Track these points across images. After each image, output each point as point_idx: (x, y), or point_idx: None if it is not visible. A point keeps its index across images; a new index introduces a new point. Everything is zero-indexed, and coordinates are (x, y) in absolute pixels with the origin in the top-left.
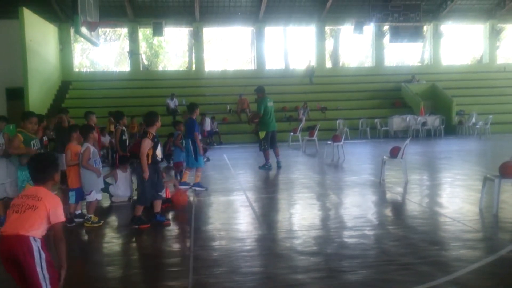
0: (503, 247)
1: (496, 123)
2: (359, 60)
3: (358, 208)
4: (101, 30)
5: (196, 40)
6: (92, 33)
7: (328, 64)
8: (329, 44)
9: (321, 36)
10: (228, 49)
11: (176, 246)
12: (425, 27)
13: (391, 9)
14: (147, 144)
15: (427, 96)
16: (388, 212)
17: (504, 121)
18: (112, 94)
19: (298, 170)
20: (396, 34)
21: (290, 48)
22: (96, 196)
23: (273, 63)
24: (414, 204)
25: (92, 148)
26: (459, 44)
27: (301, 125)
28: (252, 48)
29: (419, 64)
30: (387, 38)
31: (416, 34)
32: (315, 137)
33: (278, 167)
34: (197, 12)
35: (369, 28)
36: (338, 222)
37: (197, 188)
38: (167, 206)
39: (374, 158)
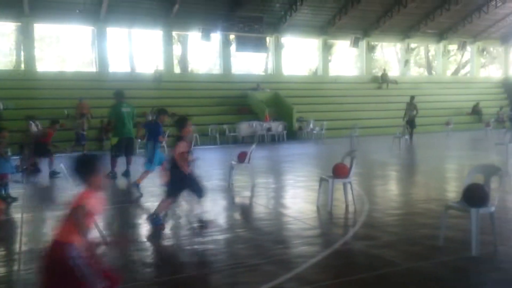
0: (337, 241)
1: (330, 129)
2: (208, 67)
3: (207, 213)
4: None
5: (26, 37)
6: None
7: (177, 70)
8: (177, 49)
9: (168, 41)
10: (66, 49)
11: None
12: (268, 39)
13: (237, 19)
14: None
15: (271, 103)
16: (237, 215)
17: (337, 127)
18: None
19: (146, 178)
20: (242, 44)
21: (136, 51)
22: None
23: (118, 66)
24: (261, 207)
25: None
26: (298, 56)
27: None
28: (93, 49)
29: (264, 73)
30: (233, 47)
31: (260, 44)
32: (164, 144)
33: (127, 176)
34: (26, 5)
35: (216, 36)
36: (188, 229)
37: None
38: None
39: (223, 163)
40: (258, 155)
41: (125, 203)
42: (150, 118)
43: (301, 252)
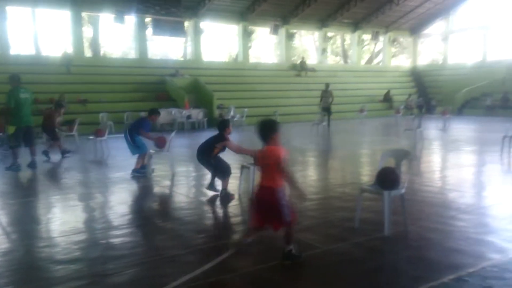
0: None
1: (251, 116)
2: (122, 51)
3: (125, 205)
4: None
5: None
6: None
7: (88, 53)
8: (88, 31)
9: (77, 22)
10: None
11: None
12: (186, 23)
13: (153, 1)
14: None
15: (191, 90)
16: (156, 206)
17: (257, 114)
18: None
19: (56, 169)
20: (159, 27)
21: (41, 33)
22: None
23: (21, 48)
24: (181, 196)
25: None
26: (218, 42)
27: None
28: None
29: (182, 59)
30: (150, 30)
31: (178, 28)
32: (74, 132)
33: (33, 167)
34: None
35: (131, 19)
36: (104, 222)
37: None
38: None
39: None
40: (177, 143)
41: (31, 197)
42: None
43: (223, 240)
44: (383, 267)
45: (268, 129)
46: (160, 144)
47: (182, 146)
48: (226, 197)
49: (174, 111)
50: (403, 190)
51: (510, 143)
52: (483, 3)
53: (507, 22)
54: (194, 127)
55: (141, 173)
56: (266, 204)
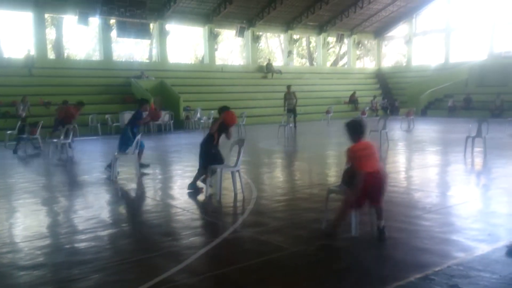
0: (226, 230)
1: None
2: (86, 52)
3: (90, 209)
4: None
5: None
6: None
7: (51, 55)
8: (51, 33)
9: (40, 24)
10: None
11: None
12: (151, 25)
13: (117, 3)
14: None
15: (157, 92)
16: (122, 209)
17: None
18: None
19: (18, 173)
20: (123, 29)
21: (3, 34)
22: None
23: None
24: (148, 199)
25: None
26: (184, 44)
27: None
28: None
29: (148, 61)
30: (114, 32)
31: (143, 30)
32: (37, 135)
33: None
34: None
35: (95, 20)
36: (68, 227)
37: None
38: None
39: (106, 155)
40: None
41: None
42: (21, 108)
43: (190, 243)
44: (351, 267)
45: (356, 129)
46: (156, 117)
47: (148, 149)
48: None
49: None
50: None
51: (473, 143)
52: (445, 7)
53: (468, 25)
54: (161, 130)
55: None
56: (376, 186)
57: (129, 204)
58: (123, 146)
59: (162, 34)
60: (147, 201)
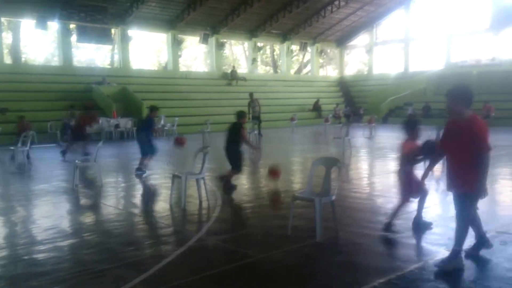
0: (191, 238)
1: (182, 125)
2: (45, 57)
3: (49, 218)
4: None
5: None
6: None
7: (8, 60)
8: (7, 37)
9: None
10: None
11: None
12: (113, 30)
13: (77, 8)
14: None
15: (119, 98)
16: (83, 219)
17: (189, 123)
18: None
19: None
20: (84, 34)
21: None
22: None
23: None
24: (110, 208)
25: None
26: (147, 50)
27: None
28: None
29: (110, 67)
30: (74, 37)
31: (104, 36)
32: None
33: None
34: None
35: (54, 25)
36: (26, 237)
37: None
38: None
39: (66, 163)
40: (105, 153)
41: None
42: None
43: (154, 252)
44: (316, 273)
45: (413, 125)
46: (181, 143)
47: (110, 156)
48: (230, 186)
49: (101, 120)
50: (333, 197)
51: None
52: (404, 18)
53: (426, 36)
54: (123, 137)
55: (142, 172)
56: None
57: (90, 213)
58: (150, 149)
59: (124, 39)
60: (109, 210)
